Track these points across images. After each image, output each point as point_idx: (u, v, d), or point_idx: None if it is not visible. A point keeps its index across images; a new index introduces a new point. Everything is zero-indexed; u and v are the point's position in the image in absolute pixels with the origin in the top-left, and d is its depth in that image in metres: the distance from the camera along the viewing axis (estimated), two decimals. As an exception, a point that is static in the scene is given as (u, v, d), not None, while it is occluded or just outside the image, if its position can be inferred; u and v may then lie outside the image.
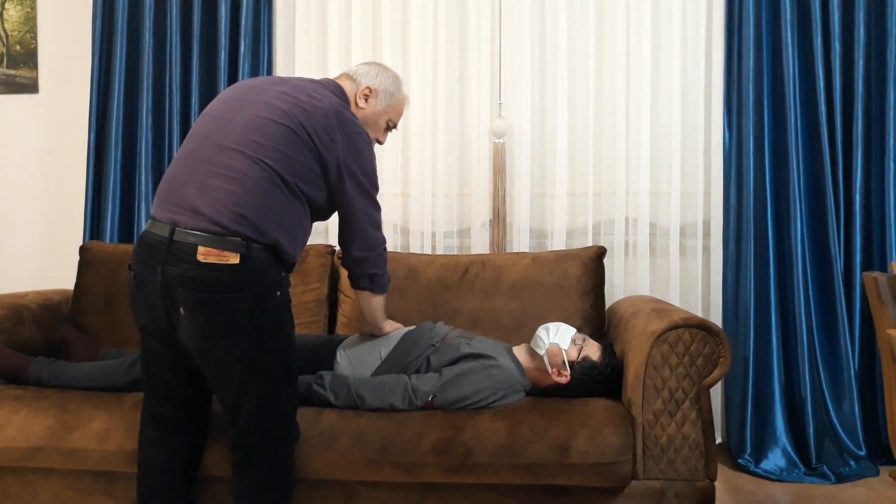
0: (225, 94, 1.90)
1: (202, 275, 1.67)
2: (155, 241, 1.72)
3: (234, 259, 1.67)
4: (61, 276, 3.12)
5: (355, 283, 2.05)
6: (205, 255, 1.66)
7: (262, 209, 1.71)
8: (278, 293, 1.77)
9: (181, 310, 1.69)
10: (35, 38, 3.35)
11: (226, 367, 1.74)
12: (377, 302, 2.12)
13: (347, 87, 1.98)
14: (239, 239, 1.68)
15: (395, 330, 2.26)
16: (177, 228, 1.69)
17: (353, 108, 1.96)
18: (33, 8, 3.34)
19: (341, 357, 2.21)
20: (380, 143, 2.08)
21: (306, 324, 2.64)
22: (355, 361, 2.19)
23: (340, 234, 1.97)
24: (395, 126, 2.09)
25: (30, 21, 3.34)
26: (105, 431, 2.01)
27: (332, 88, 1.93)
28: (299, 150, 1.76)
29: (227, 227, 1.68)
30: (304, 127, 1.76)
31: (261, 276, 1.73)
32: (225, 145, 1.74)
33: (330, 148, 1.79)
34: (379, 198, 1.94)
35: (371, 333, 2.25)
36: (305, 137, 1.76)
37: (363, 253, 1.96)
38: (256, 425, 1.79)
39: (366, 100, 1.98)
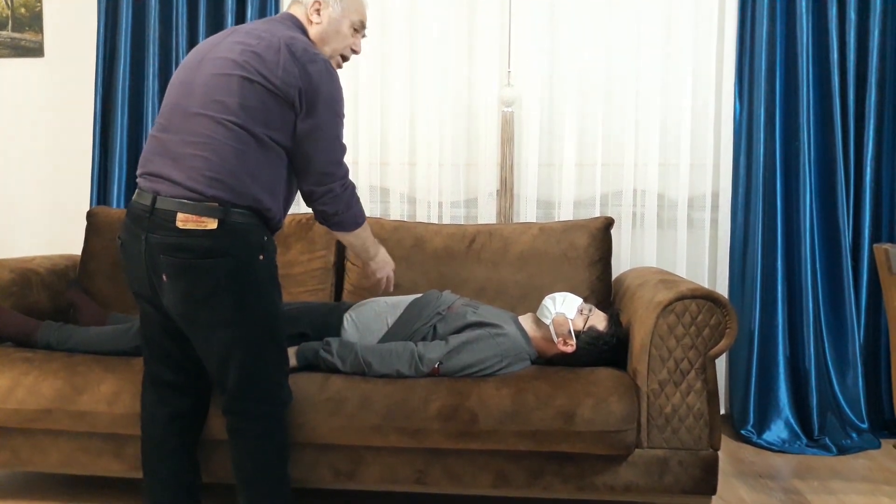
0: (185, 59, 1.88)
1: (182, 241, 1.69)
2: (139, 211, 1.74)
3: (212, 224, 1.68)
4: (68, 241, 3.13)
5: (316, 219, 1.98)
6: (184, 221, 1.68)
7: (235, 170, 1.71)
8: (261, 257, 1.77)
9: (164, 276, 1.71)
10: (40, 0, 3.32)
11: (209, 333, 1.76)
12: (351, 238, 2.03)
13: (299, 11, 1.92)
14: (216, 204, 1.69)
15: (387, 256, 2.20)
16: (158, 197, 1.71)
17: (308, 28, 1.90)
18: (38, -30, 3.31)
19: (348, 324, 2.22)
20: (355, 52, 2.00)
21: (312, 291, 2.65)
22: (362, 328, 2.21)
23: (295, 167, 1.85)
24: (362, 26, 1.99)
25: (34, -17, 3.31)
26: (114, 394, 2.03)
27: (284, 20, 1.89)
28: (261, 97, 1.73)
29: (204, 192, 1.69)
30: (260, 71, 1.73)
31: (242, 241, 1.73)
32: (191, 111, 1.74)
33: (289, 82, 1.74)
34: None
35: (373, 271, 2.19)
36: (263, 82, 1.73)
37: (310, 187, 1.86)
38: (243, 391, 1.79)
39: (318, 13, 1.91)
